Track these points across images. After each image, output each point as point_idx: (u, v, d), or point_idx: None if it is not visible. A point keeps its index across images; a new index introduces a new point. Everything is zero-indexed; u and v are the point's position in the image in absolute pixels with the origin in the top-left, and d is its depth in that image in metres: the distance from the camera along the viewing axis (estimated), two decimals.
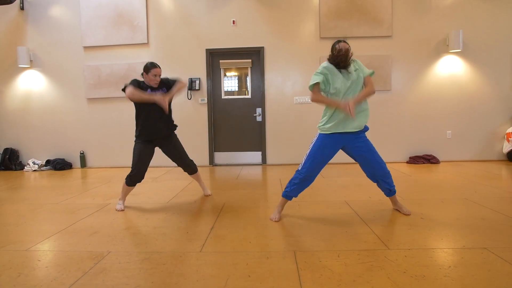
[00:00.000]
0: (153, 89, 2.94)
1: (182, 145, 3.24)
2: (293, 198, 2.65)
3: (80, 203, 3.31)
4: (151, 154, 3.07)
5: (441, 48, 5.33)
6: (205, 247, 2.11)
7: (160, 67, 2.93)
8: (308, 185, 2.60)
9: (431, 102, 5.41)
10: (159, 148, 3.15)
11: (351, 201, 3.13)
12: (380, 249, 2.00)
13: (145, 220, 2.71)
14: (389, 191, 2.65)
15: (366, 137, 2.59)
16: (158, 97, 2.77)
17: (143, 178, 3.03)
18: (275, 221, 2.57)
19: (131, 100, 2.82)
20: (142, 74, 2.97)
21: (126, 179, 3.01)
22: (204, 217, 2.76)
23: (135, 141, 3.05)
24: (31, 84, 5.74)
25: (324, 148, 2.52)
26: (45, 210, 3.07)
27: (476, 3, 5.25)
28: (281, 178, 4.35)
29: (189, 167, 3.30)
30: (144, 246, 2.14)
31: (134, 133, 3.05)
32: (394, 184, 2.67)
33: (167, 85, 3.01)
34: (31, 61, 5.66)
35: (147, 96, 2.79)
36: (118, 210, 2.98)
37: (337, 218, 2.63)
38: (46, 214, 2.94)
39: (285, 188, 2.63)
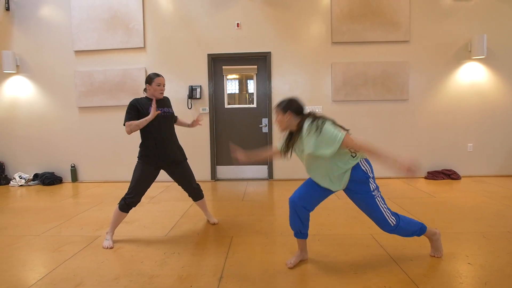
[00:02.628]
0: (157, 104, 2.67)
1: (191, 170, 2.92)
2: (307, 234, 2.23)
3: (66, 234, 2.88)
4: (154, 177, 2.73)
5: (463, 54, 4.92)
6: None
7: (163, 77, 2.70)
8: (306, 214, 2.15)
9: (451, 113, 5.00)
10: (164, 170, 2.82)
11: (378, 234, 2.71)
12: None
13: (140, 263, 2.28)
14: (412, 236, 2.19)
15: (361, 192, 2.03)
16: (151, 115, 2.55)
17: (139, 202, 2.67)
18: (291, 268, 2.16)
19: (133, 132, 2.59)
20: (144, 89, 2.72)
21: (120, 202, 2.62)
22: (210, 259, 2.33)
23: (138, 161, 2.70)
24: (17, 91, 5.29)
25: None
26: (23, 246, 2.64)
27: (502, 5, 4.84)
28: None
29: (195, 193, 2.96)
30: None
31: (130, 145, 2.71)
32: (416, 216, 2.25)
33: (168, 104, 2.84)
34: (17, 66, 5.21)
35: (143, 120, 2.54)
36: (106, 248, 2.54)
37: (368, 264, 2.20)
38: (24, 253, 2.51)
39: (290, 225, 2.25)
